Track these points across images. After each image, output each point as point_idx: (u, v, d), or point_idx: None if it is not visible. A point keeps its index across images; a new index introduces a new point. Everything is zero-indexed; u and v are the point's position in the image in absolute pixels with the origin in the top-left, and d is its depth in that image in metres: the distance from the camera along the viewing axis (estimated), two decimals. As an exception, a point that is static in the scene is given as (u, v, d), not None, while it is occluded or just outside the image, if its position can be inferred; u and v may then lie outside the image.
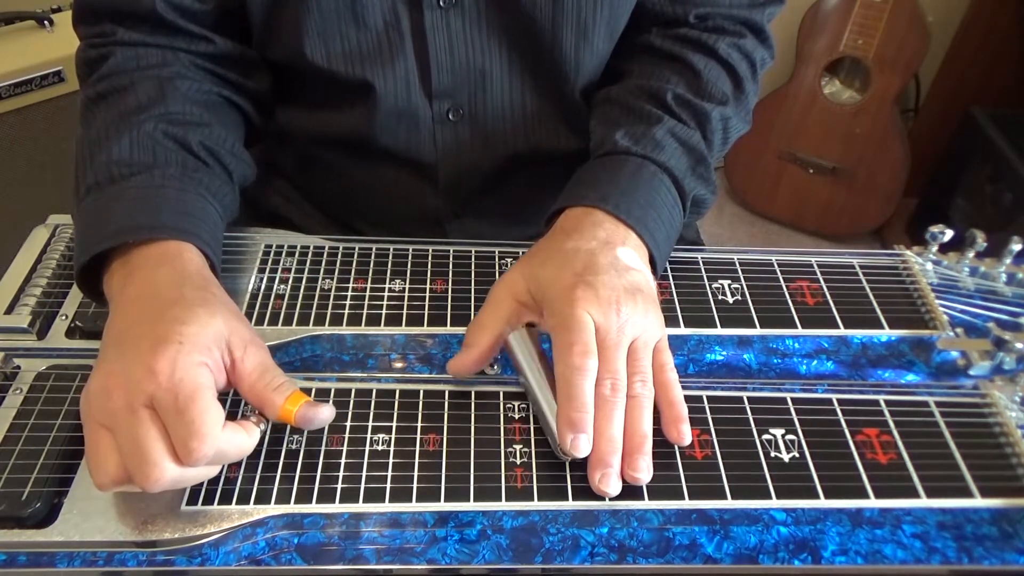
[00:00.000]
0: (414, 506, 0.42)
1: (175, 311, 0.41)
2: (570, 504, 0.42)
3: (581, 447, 0.42)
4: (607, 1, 0.55)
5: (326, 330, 0.50)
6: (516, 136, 0.62)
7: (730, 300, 0.54)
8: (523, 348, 0.46)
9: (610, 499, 0.42)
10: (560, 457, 0.43)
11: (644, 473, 0.42)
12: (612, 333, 0.44)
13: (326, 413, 0.42)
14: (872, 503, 0.43)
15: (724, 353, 0.51)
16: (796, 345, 0.52)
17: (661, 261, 0.52)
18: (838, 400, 0.48)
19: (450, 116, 0.60)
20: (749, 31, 0.61)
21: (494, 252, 0.57)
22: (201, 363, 0.39)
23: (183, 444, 0.37)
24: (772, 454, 0.45)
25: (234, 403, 0.45)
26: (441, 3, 0.54)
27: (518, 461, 0.44)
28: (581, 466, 0.43)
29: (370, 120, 0.59)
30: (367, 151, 0.62)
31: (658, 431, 0.45)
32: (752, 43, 0.61)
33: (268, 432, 0.44)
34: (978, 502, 0.43)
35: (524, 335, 0.47)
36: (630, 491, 0.42)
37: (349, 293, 0.53)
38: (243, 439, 0.40)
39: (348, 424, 0.45)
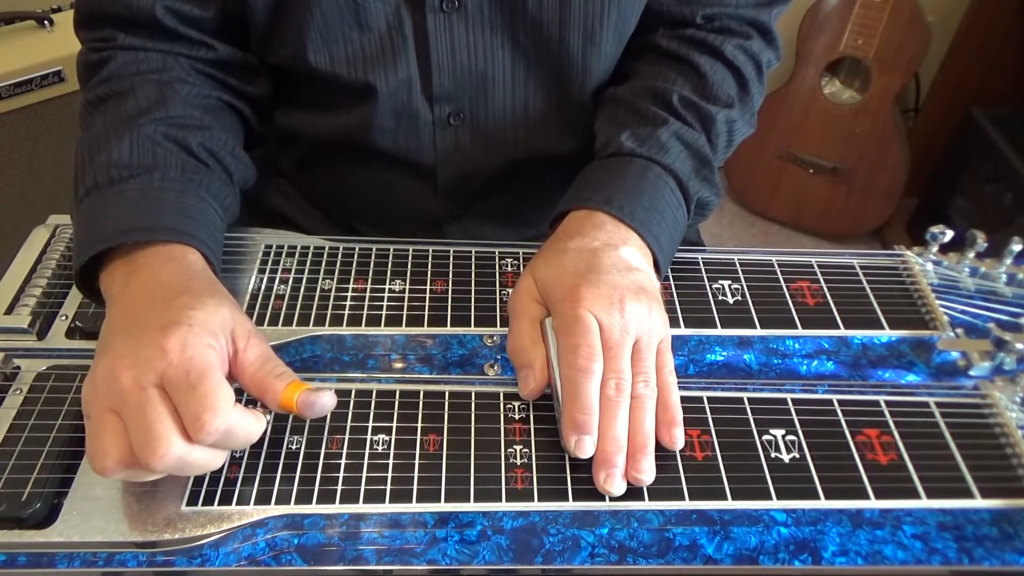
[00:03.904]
0: (414, 507, 0.42)
1: (184, 299, 0.41)
2: (570, 505, 0.42)
3: (585, 448, 0.42)
4: (615, 4, 0.55)
5: (326, 330, 0.50)
6: (517, 140, 0.62)
7: (730, 300, 0.54)
8: (554, 338, 0.46)
9: (612, 499, 0.42)
10: (568, 453, 0.43)
11: (647, 474, 0.42)
12: (616, 333, 0.44)
13: (327, 399, 0.41)
14: (872, 504, 0.43)
15: (724, 354, 0.51)
16: (796, 346, 0.52)
17: (665, 263, 0.52)
18: (838, 401, 0.48)
19: (451, 120, 0.60)
20: (756, 31, 0.61)
21: (494, 252, 0.57)
22: (209, 345, 0.40)
23: (195, 418, 0.37)
24: (772, 455, 0.45)
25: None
26: (444, 7, 0.54)
27: (518, 462, 0.44)
28: (583, 467, 0.43)
29: (369, 122, 0.59)
30: (366, 153, 0.62)
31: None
32: (759, 44, 0.61)
33: (268, 433, 0.44)
34: (978, 503, 0.43)
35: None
36: (631, 491, 0.42)
37: (349, 293, 0.53)
38: (252, 423, 0.40)
39: (348, 425, 0.45)
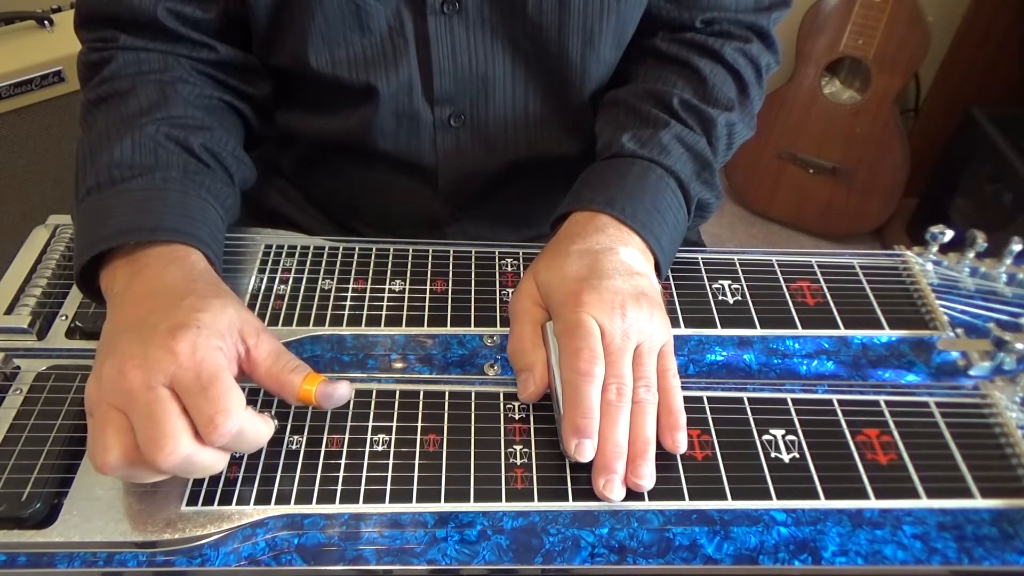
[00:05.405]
0: (414, 507, 0.42)
1: (190, 300, 0.41)
2: (570, 505, 0.42)
3: (585, 452, 0.42)
4: (614, 9, 0.55)
5: (326, 330, 0.50)
6: (518, 142, 0.62)
7: (730, 300, 0.54)
8: (555, 341, 0.46)
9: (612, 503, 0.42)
10: (568, 457, 0.43)
11: (648, 480, 0.42)
12: (617, 338, 0.44)
13: (344, 389, 0.42)
14: (872, 504, 0.43)
15: (724, 353, 0.51)
16: (796, 345, 0.52)
17: (665, 265, 0.52)
18: (838, 401, 0.48)
19: (452, 122, 0.60)
20: (755, 36, 0.61)
21: (494, 252, 0.57)
22: (218, 348, 0.40)
23: (209, 420, 0.37)
24: (772, 455, 0.45)
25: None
26: (445, 9, 0.54)
27: (518, 462, 0.44)
28: (582, 467, 0.43)
29: (371, 124, 0.59)
30: (367, 154, 0.62)
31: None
32: (758, 48, 0.61)
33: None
34: (978, 503, 0.43)
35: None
36: (631, 492, 0.42)
37: (349, 293, 0.53)
38: (262, 425, 0.40)
39: (348, 425, 0.45)
